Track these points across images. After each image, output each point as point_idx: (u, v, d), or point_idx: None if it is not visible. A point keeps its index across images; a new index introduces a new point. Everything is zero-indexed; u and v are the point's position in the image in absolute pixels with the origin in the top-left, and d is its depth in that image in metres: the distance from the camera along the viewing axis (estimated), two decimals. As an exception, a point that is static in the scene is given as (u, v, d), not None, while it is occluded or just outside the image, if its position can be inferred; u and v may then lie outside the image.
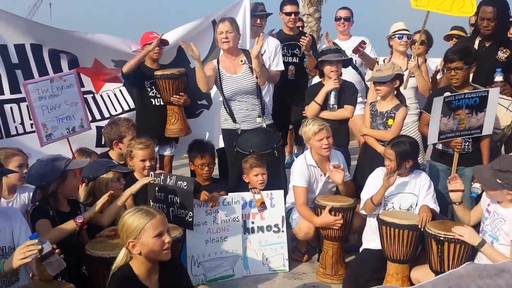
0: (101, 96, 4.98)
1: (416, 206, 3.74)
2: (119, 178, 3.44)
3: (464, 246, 3.18)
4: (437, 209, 3.66)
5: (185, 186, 3.63)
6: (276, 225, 4.15)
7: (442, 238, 3.22)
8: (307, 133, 4.11)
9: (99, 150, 4.50)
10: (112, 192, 3.21)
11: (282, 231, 4.15)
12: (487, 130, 3.88)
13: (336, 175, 4.06)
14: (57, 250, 2.33)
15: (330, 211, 3.87)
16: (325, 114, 4.52)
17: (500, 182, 3.01)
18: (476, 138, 3.94)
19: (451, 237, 3.20)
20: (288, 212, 4.27)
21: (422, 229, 3.40)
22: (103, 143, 4.61)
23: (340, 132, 4.54)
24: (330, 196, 4.18)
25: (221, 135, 4.78)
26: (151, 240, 2.33)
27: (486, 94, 3.82)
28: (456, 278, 2.17)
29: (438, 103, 3.72)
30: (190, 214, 3.66)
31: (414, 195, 3.76)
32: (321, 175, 4.22)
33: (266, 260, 4.10)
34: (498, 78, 4.20)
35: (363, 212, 3.85)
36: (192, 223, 3.68)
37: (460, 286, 2.12)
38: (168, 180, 3.71)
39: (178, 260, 2.92)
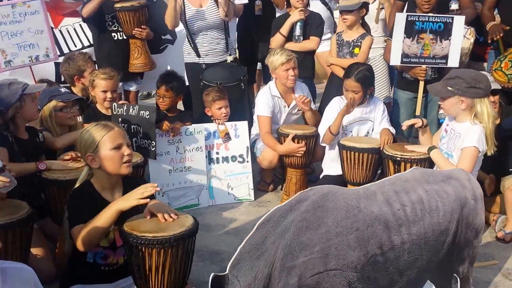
0: (60, 31, 4.81)
1: (372, 131, 3.80)
2: (66, 107, 3.36)
3: (421, 164, 3.26)
4: (393, 131, 3.73)
5: (147, 115, 3.60)
6: (241, 156, 4.17)
7: (398, 159, 3.30)
8: (273, 62, 4.08)
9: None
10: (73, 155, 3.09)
11: (247, 161, 4.18)
12: (453, 61, 3.91)
13: (302, 104, 4.09)
14: (7, 167, 2.30)
15: (293, 139, 3.90)
16: (290, 45, 4.48)
17: (450, 89, 3.10)
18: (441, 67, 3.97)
19: (408, 157, 3.28)
20: (253, 143, 4.29)
21: (382, 151, 3.46)
22: (62, 80, 4.49)
23: (305, 64, 4.52)
24: (293, 125, 4.20)
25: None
26: (110, 152, 2.31)
27: (451, 20, 3.82)
28: (403, 182, 2.22)
29: (400, 21, 3.71)
30: (153, 143, 3.66)
31: (370, 121, 3.82)
32: (284, 106, 4.22)
33: (232, 189, 4.14)
34: (454, 6, 4.19)
35: (323, 144, 3.88)
36: (155, 152, 3.69)
37: (407, 190, 2.16)
38: (131, 110, 3.67)
39: (143, 180, 2.92)
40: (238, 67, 4.58)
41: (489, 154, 3.21)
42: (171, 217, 2.16)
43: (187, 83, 4.58)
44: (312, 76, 4.75)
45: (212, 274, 1.61)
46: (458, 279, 2.44)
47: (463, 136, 3.11)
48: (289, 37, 4.51)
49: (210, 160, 4.10)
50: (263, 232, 1.82)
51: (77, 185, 2.42)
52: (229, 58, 4.53)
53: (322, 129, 3.84)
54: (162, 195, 3.91)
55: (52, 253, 2.87)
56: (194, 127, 4.03)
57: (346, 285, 1.89)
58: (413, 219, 2.08)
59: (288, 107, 4.21)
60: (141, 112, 3.62)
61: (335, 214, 1.92)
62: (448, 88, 3.12)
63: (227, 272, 1.72)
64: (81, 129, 2.39)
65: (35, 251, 2.71)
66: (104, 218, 2.17)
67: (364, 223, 1.96)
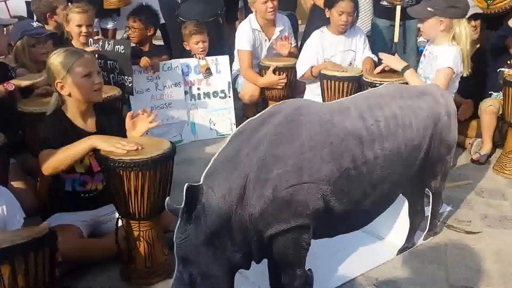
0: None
1: (355, 61, 3.79)
2: (39, 43, 3.29)
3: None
4: (376, 58, 3.72)
5: (122, 50, 3.55)
6: (222, 91, 4.16)
7: (378, 85, 3.29)
8: None
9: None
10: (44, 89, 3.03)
11: (229, 97, 4.18)
12: None
13: (282, 48, 4.05)
14: None
15: (274, 71, 3.88)
16: None
17: (430, 9, 3.09)
18: None
19: (388, 82, 3.28)
20: (234, 79, 4.27)
21: (362, 78, 3.47)
22: (35, 19, 4.37)
23: None
24: (274, 57, 4.17)
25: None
26: (80, 80, 2.29)
27: None
28: (376, 97, 2.22)
29: None
30: (129, 79, 3.63)
31: (352, 51, 3.79)
32: (265, 39, 4.18)
33: (214, 125, 4.16)
34: None
35: (302, 80, 3.87)
36: (132, 88, 3.67)
37: (380, 105, 2.17)
38: (106, 46, 3.62)
39: (118, 109, 2.91)
40: (215, 1, 4.48)
41: (465, 75, 3.24)
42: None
43: (163, 21, 4.49)
44: (293, 8, 4.68)
45: (187, 184, 1.64)
46: (430, 193, 2.52)
47: (439, 57, 3.13)
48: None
49: (191, 96, 4.09)
50: (237, 145, 1.84)
51: (48, 112, 2.41)
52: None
53: (301, 65, 3.81)
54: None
55: (34, 189, 2.89)
56: (171, 62, 4.00)
57: (320, 198, 1.93)
58: (386, 134, 2.10)
59: (269, 41, 4.17)
60: (116, 46, 3.57)
61: (308, 128, 1.93)
62: (428, 8, 3.11)
63: (201, 182, 1.76)
64: (50, 55, 2.33)
65: (15, 184, 2.73)
66: (76, 148, 2.17)
67: (337, 137, 1.97)
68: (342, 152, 1.97)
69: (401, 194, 2.39)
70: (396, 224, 2.58)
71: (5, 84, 2.81)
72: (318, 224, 1.98)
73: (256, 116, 1.93)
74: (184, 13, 4.31)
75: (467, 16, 3.60)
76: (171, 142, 2.26)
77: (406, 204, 2.50)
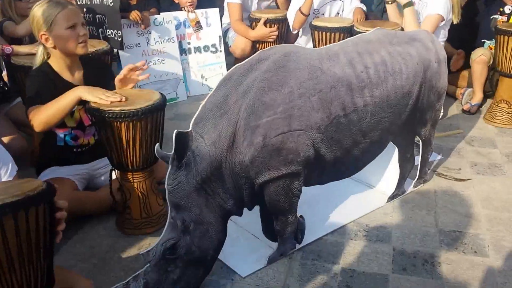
0: None
1: (343, 11, 3.75)
2: None
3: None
4: (365, 8, 3.68)
5: (111, 2, 3.48)
6: (213, 45, 4.11)
7: (369, 35, 3.27)
8: None
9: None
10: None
11: (220, 51, 4.13)
12: None
13: None
14: None
15: (265, 23, 3.83)
16: None
17: None
18: None
19: (379, 32, 3.26)
20: (224, 33, 4.21)
21: (353, 28, 3.43)
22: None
23: None
24: (265, 10, 4.10)
25: None
26: (64, 31, 2.25)
27: None
28: (365, 42, 2.20)
29: None
30: (119, 33, 3.57)
31: (340, 1, 3.74)
32: (256, -9, 4.11)
33: (205, 80, 4.13)
34: None
35: (294, 31, 3.82)
36: (121, 42, 3.61)
37: (370, 52, 2.15)
38: (94, -1, 3.55)
39: (107, 64, 2.89)
40: None
41: (455, 22, 3.22)
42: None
43: None
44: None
45: (176, 130, 1.65)
46: (420, 141, 2.54)
47: (429, 3, 3.10)
48: None
49: (181, 50, 4.04)
50: (225, 91, 1.83)
51: (34, 66, 2.38)
52: None
53: (291, 14, 3.77)
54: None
55: (23, 141, 2.86)
56: (163, 16, 3.92)
57: (310, 145, 1.94)
58: (376, 81, 2.08)
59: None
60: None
61: (297, 74, 1.92)
62: None
63: (190, 129, 1.76)
64: (33, 6, 2.28)
65: (5, 136, 2.73)
66: (64, 101, 2.16)
67: (327, 84, 1.97)
68: (331, 99, 1.97)
69: (391, 142, 2.41)
70: (386, 172, 2.61)
71: (3, 47, 2.77)
72: (309, 172, 2.00)
73: (244, 62, 1.91)
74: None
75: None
76: (160, 93, 2.26)
77: (396, 152, 2.52)
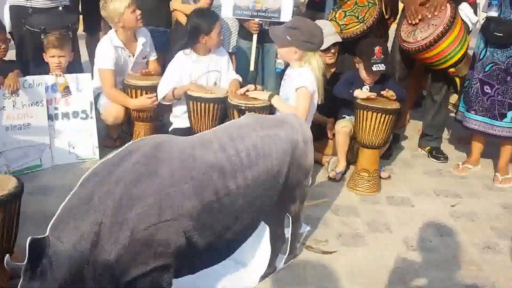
0: None
1: (220, 82, 3.85)
2: None
3: (264, 112, 3.36)
4: (241, 79, 3.82)
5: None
6: (83, 111, 3.93)
7: (243, 108, 3.38)
8: (117, 9, 3.83)
9: None
10: None
11: (91, 117, 3.95)
12: (286, 16, 4.03)
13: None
14: None
15: (146, 91, 3.81)
16: None
17: (289, 38, 3.26)
18: None
19: (251, 105, 3.38)
20: (95, 98, 4.06)
21: (227, 100, 3.52)
22: None
23: (159, 12, 4.41)
24: (139, 75, 4.04)
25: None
26: None
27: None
28: (237, 128, 2.27)
29: None
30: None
31: (217, 71, 3.84)
32: (129, 56, 4.05)
33: (73, 148, 3.90)
34: None
35: (164, 103, 3.81)
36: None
37: (242, 136, 2.21)
38: None
39: None
40: (69, 14, 4.22)
41: (319, 102, 3.47)
42: None
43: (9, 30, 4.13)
44: (166, 24, 4.62)
45: (29, 238, 1.50)
46: (290, 218, 2.63)
47: (296, 78, 3.34)
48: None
49: (49, 116, 3.79)
50: (89, 188, 1.73)
51: None
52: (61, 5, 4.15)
53: (162, 86, 3.73)
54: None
55: None
56: (33, 78, 3.68)
57: (182, 234, 1.91)
58: (248, 164, 2.15)
59: (134, 57, 4.06)
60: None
61: (169, 164, 1.90)
62: (287, 37, 3.28)
63: (47, 234, 1.62)
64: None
65: None
66: None
67: (199, 171, 1.98)
68: (204, 185, 1.98)
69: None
70: (258, 250, 2.64)
71: None
72: (179, 262, 1.95)
73: (112, 155, 1.85)
74: (32, 21, 4.00)
75: (328, 45, 3.89)
76: (17, 179, 2.07)
77: (267, 230, 2.58)
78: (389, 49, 4.16)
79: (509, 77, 3.66)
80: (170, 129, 3.93)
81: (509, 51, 3.63)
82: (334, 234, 3.07)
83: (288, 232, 2.70)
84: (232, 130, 2.22)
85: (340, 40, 4.08)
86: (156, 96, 3.76)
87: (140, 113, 3.90)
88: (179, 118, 3.87)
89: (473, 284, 2.66)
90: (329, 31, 3.94)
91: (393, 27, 4.60)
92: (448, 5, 3.81)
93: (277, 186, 2.34)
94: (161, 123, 4.30)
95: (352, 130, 3.83)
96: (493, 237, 3.15)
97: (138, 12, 3.87)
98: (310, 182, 2.65)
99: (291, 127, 2.46)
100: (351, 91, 3.71)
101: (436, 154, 4.33)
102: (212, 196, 2.00)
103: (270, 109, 3.42)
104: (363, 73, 3.83)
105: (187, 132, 3.69)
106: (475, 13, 4.23)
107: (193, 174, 1.95)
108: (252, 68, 4.13)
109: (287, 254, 2.71)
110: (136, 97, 3.88)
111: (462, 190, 3.78)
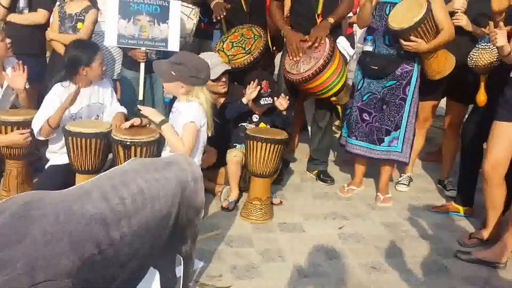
0: None
1: (103, 114, 3.66)
2: None
3: (150, 147, 3.27)
4: (125, 112, 3.67)
5: None
6: None
7: (128, 143, 3.22)
8: None
9: None
10: None
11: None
12: (173, 45, 3.99)
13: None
14: None
15: (18, 127, 3.48)
16: (14, 17, 4.09)
17: (174, 74, 3.21)
18: None
19: (137, 140, 3.24)
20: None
21: (111, 136, 3.34)
22: None
23: (32, 40, 4.16)
24: (12, 110, 3.71)
25: None
26: None
27: (167, 4, 3.92)
28: (120, 174, 2.16)
29: (113, 1, 3.65)
30: None
31: (100, 103, 3.65)
32: (-2, 86, 3.72)
33: None
34: None
35: (40, 138, 3.49)
36: None
37: (126, 183, 2.11)
38: None
39: None
40: None
41: (209, 135, 3.45)
42: None
43: None
44: (40, 52, 4.32)
45: None
46: (182, 258, 2.55)
47: (183, 113, 3.28)
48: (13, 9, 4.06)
49: None
50: None
51: None
52: None
53: (38, 120, 3.40)
54: None
55: None
56: None
57: (61, 294, 1.75)
58: (134, 210, 2.05)
59: (2, 88, 3.72)
60: None
61: (41, 222, 1.74)
62: (172, 72, 3.22)
63: None
64: None
65: None
66: None
67: (77, 225, 1.83)
68: (83, 239, 1.84)
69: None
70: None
71: None
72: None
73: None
74: None
75: (219, 74, 3.89)
76: None
77: (157, 275, 2.47)
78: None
79: (384, 106, 3.94)
80: (47, 166, 3.60)
81: (384, 82, 3.92)
82: (228, 267, 3.04)
83: (179, 272, 2.61)
84: (115, 177, 2.11)
85: (229, 68, 4.11)
86: (31, 131, 3.45)
87: (11, 150, 3.56)
88: (56, 154, 3.57)
89: (361, 307, 2.77)
90: (217, 61, 3.97)
91: (279, 55, 4.75)
92: (327, 39, 4.03)
93: (166, 229, 2.27)
94: (37, 159, 3.94)
95: (243, 159, 3.86)
96: (378, 256, 3.33)
97: (8, 40, 3.58)
98: (200, 220, 2.60)
99: (180, 167, 2.40)
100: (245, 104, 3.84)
101: (324, 177, 4.51)
102: (94, 250, 1.87)
103: (157, 144, 3.31)
104: (251, 105, 3.91)
105: (66, 169, 3.44)
106: (352, 44, 4.52)
107: (70, 229, 1.81)
108: (141, 97, 4.00)
109: (180, 296, 2.61)
110: (6, 133, 3.53)
111: (348, 212, 3.97)
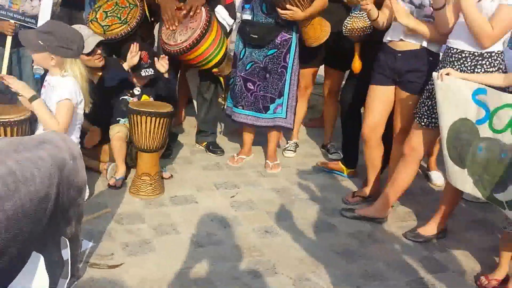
0: None
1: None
2: None
3: (21, 127, 3.03)
4: None
5: None
6: None
7: None
8: None
9: None
10: None
11: None
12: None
13: None
14: None
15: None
16: None
17: (42, 43, 2.98)
18: None
19: (6, 120, 2.97)
20: None
21: None
22: None
23: None
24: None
25: None
26: None
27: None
28: (-12, 154, 1.95)
29: None
30: None
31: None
32: None
33: None
34: None
35: None
36: None
37: (-6, 164, 1.92)
38: None
39: None
40: None
41: (87, 111, 3.27)
42: None
43: None
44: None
45: None
46: (67, 240, 2.42)
47: (56, 87, 3.08)
48: None
49: None
50: None
51: None
52: None
53: None
54: None
55: None
56: None
57: None
58: (6, 194, 1.88)
59: None
60: None
61: None
62: (40, 42, 2.97)
63: None
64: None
65: None
66: None
67: None
68: None
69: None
70: (34, 282, 2.35)
71: None
72: None
73: None
74: None
75: (93, 47, 3.65)
76: None
77: (42, 260, 2.31)
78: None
79: (267, 74, 4.02)
80: None
81: (265, 50, 3.98)
82: (119, 245, 2.94)
83: (66, 254, 2.47)
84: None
85: (103, 39, 3.88)
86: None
87: None
88: None
89: (256, 269, 2.85)
90: (88, 33, 3.72)
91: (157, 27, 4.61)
92: (203, 8, 3.97)
93: (46, 211, 2.11)
94: None
95: (128, 134, 3.72)
96: (270, 221, 3.43)
97: None
98: (85, 198, 2.47)
99: (55, 146, 2.24)
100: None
101: (213, 148, 4.52)
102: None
103: (29, 123, 3.06)
104: (133, 77, 3.76)
105: None
106: (234, 15, 4.51)
107: None
108: (4, 71, 3.65)
109: (68, 278, 2.47)
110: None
111: (239, 180, 4.03)
